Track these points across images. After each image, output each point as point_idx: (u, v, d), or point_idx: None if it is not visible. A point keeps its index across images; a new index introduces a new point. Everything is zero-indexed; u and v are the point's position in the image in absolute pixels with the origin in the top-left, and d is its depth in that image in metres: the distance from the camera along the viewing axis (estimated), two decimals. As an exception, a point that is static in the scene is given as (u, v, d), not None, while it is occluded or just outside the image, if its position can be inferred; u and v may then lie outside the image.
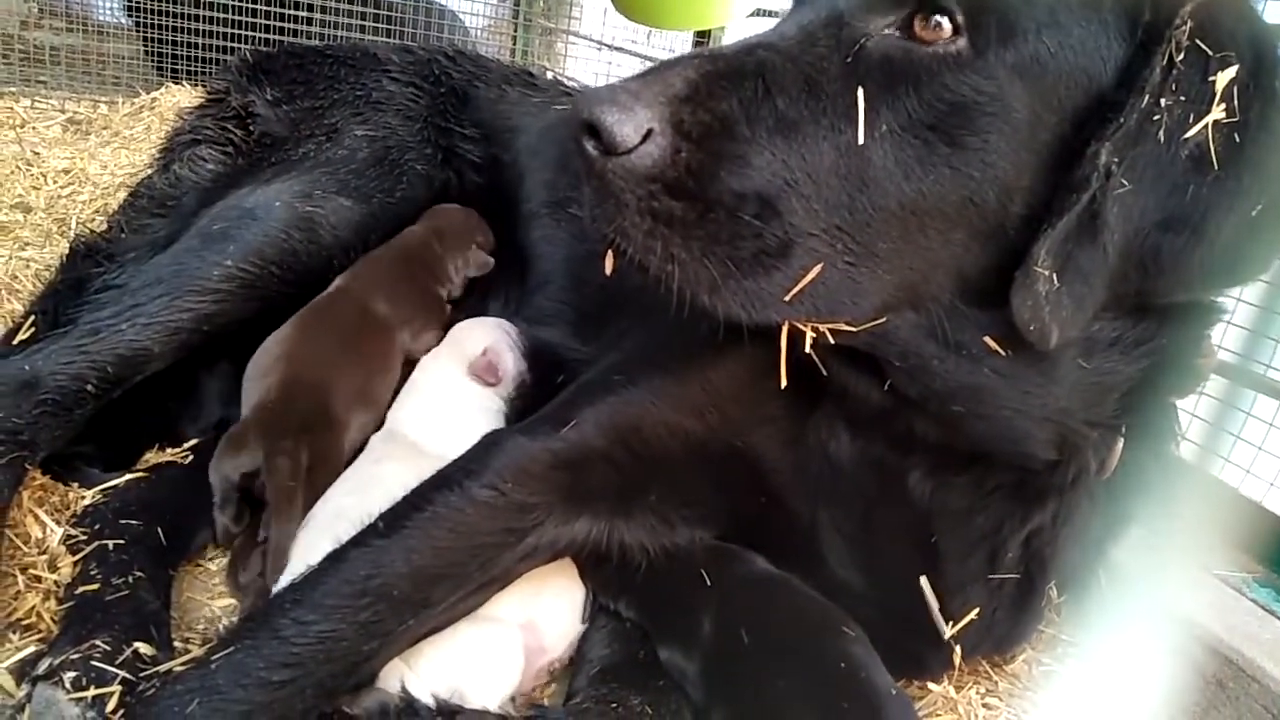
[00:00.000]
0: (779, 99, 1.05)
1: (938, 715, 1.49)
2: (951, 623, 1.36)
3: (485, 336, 1.86)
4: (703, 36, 5.33)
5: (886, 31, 1.08)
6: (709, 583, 1.38)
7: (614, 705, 1.28)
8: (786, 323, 1.11)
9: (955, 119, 1.04)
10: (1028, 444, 1.22)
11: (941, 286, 1.13)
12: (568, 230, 2.12)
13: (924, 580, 1.36)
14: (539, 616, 1.39)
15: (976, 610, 1.37)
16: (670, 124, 1.01)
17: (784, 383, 1.16)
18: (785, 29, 1.13)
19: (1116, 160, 1.01)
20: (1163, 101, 1.01)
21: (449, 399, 1.75)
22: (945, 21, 1.05)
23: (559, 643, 1.42)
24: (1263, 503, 1.93)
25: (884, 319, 1.13)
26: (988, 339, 1.13)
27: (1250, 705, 1.52)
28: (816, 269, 1.05)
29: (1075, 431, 1.22)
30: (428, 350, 1.91)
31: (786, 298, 1.06)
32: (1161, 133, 1.01)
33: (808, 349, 1.14)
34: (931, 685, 1.52)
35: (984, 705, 1.54)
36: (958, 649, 1.38)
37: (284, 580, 1.33)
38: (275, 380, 1.65)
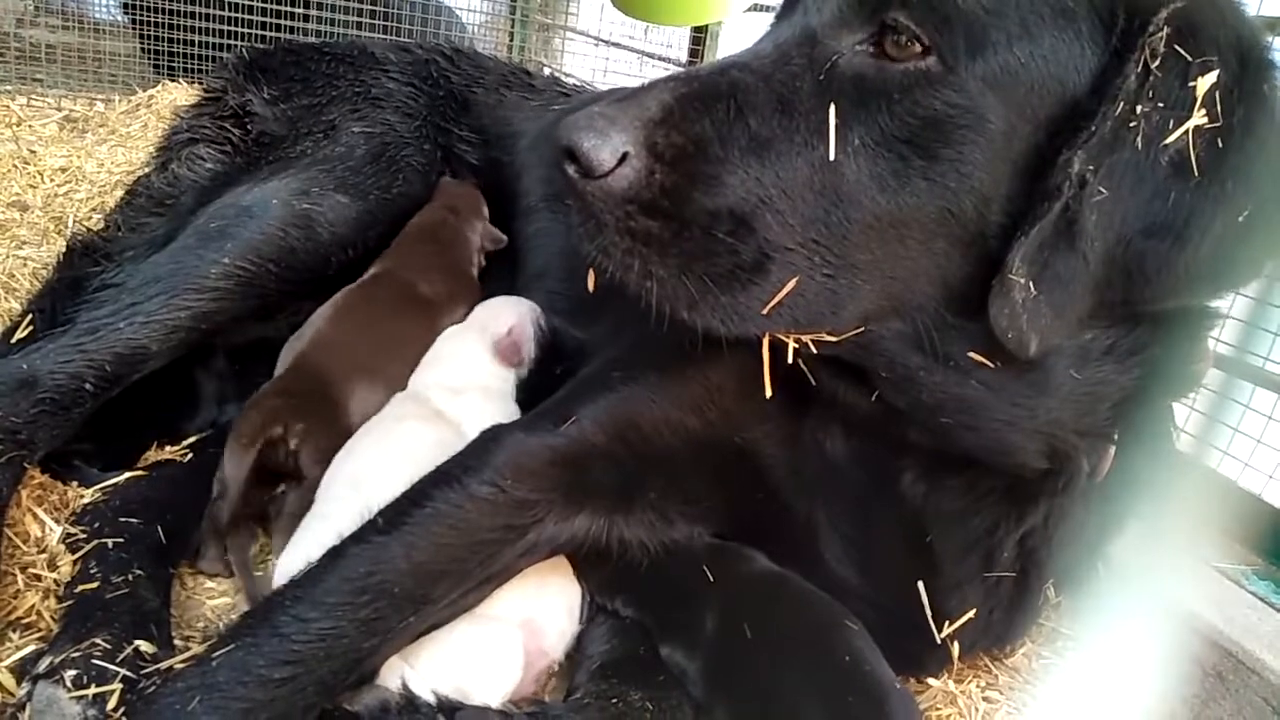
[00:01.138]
0: (751, 118, 1.07)
1: (938, 709, 1.49)
2: (948, 623, 1.37)
3: (511, 317, 1.88)
4: (700, 32, 5.33)
5: (858, 49, 1.09)
6: (711, 579, 1.39)
7: (614, 700, 1.28)
8: (767, 335, 1.13)
9: (929, 133, 1.05)
10: (1018, 455, 1.22)
11: (926, 295, 1.13)
12: (564, 223, 2.12)
13: (920, 585, 1.36)
14: (539, 616, 1.39)
15: (973, 612, 1.37)
16: (645, 147, 1.04)
17: (769, 393, 1.18)
18: (761, 48, 1.15)
19: (1092, 168, 1.01)
20: (1139, 108, 1.01)
21: (469, 373, 1.77)
22: (913, 40, 1.05)
23: (559, 644, 1.42)
24: (1261, 495, 1.93)
25: (864, 328, 1.14)
26: (974, 353, 1.13)
27: (1250, 698, 1.53)
28: (792, 283, 1.07)
29: (1066, 441, 1.22)
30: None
31: (764, 311, 1.08)
32: (1140, 139, 1.01)
33: (790, 360, 1.15)
34: (931, 680, 1.52)
35: (984, 699, 1.54)
36: (955, 645, 1.38)
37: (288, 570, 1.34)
38: (293, 359, 1.71)
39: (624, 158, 1.04)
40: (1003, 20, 1.04)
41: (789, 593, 1.40)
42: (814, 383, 1.25)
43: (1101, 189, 1.01)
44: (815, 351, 1.15)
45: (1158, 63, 1.00)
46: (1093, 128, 1.01)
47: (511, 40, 5.78)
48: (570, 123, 1.05)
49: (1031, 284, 1.04)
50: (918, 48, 1.05)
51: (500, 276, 2.16)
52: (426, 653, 1.28)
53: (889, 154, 1.06)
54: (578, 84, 2.81)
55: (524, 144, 2.32)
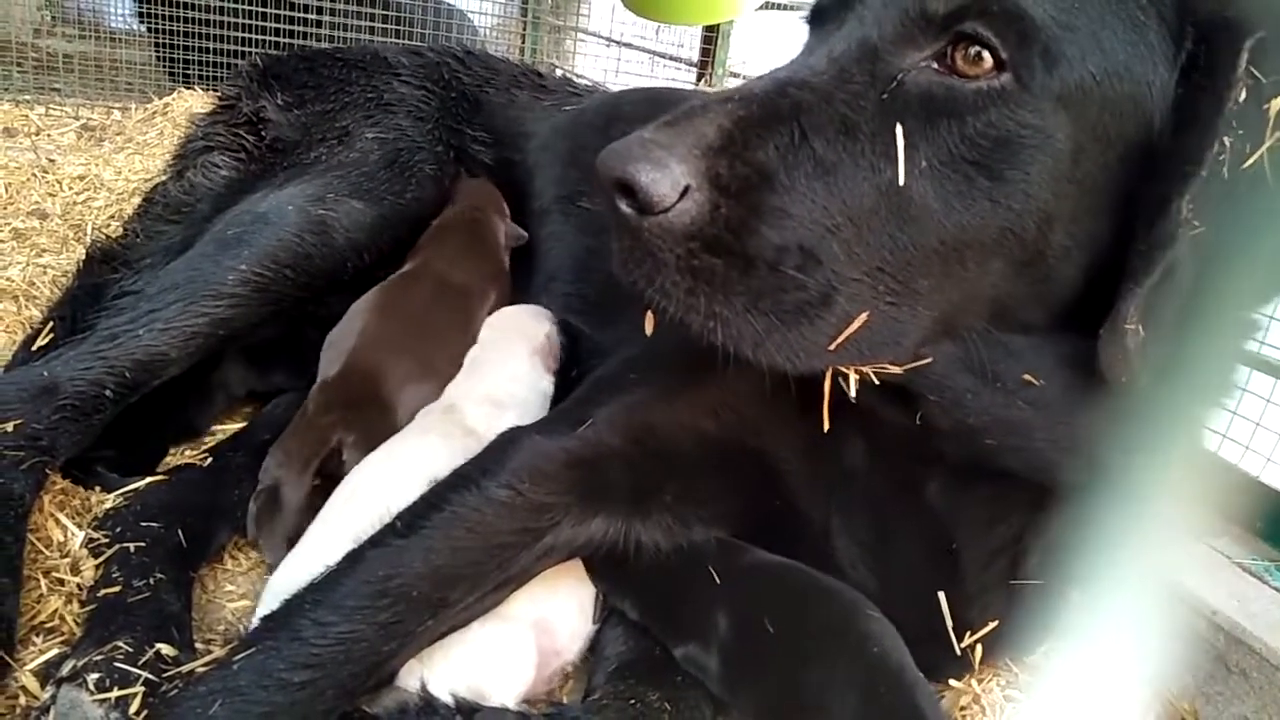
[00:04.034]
0: (816, 143, 1.01)
1: (962, 708, 1.48)
2: (969, 632, 1.35)
3: (544, 323, 1.90)
4: (711, 31, 5.33)
5: (923, 65, 1.04)
6: (717, 580, 1.37)
7: (632, 702, 1.28)
8: (830, 369, 1.09)
9: (998, 153, 1.01)
10: (1061, 472, 1.19)
11: (978, 315, 1.11)
12: (576, 224, 2.13)
13: (941, 596, 1.34)
14: (551, 615, 1.39)
15: (996, 622, 1.35)
16: (707, 178, 0.97)
17: (827, 426, 1.14)
18: (815, 63, 1.08)
19: (1192, 206, 0.98)
20: (1227, 140, 0.98)
21: (513, 384, 1.77)
22: (986, 54, 1.01)
23: (572, 644, 1.42)
24: (1260, 478, 1.90)
25: (929, 359, 1.11)
26: (1022, 371, 1.11)
27: (1274, 694, 1.51)
28: (863, 317, 1.03)
29: (1107, 454, 1.20)
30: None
31: (831, 346, 1.04)
32: (1226, 169, 0.98)
33: (853, 392, 1.10)
34: (952, 681, 1.51)
35: (1005, 697, 1.53)
36: (979, 649, 1.37)
37: (300, 575, 1.35)
38: (341, 361, 1.72)
39: (685, 191, 0.97)
40: (1076, 35, 1.00)
41: (804, 583, 1.38)
42: (854, 402, 1.19)
43: (1196, 223, 0.98)
44: (878, 382, 1.11)
45: (1243, 94, 0.98)
46: (1203, 172, 0.97)
47: (523, 42, 5.80)
48: (620, 152, 0.97)
49: (1141, 327, 1.01)
50: (989, 64, 1.01)
51: (513, 279, 2.16)
52: (439, 655, 1.29)
53: (954, 175, 1.02)
54: (590, 85, 2.81)
55: (535, 144, 2.32)
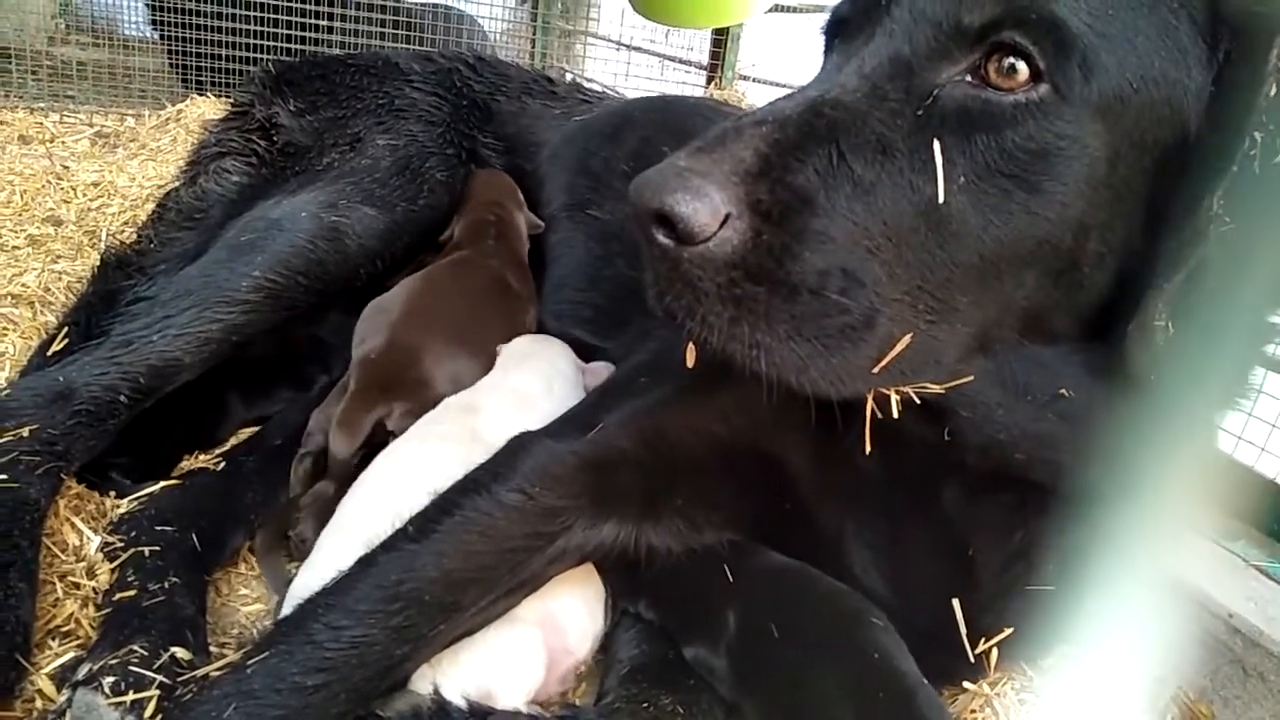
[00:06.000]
0: (855, 163, 1.00)
1: (974, 713, 1.47)
2: (984, 637, 1.34)
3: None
4: (721, 34, 5.34)
5: (958, 79, 1.03)
6: (730, 578, 1.37)
7: (645, 705, 1.28)
8: (872, 392, 1.08)
9: (1036, 165, 1.00)
10: (1082, 479, 1.18)
11: (1011, 328, 1.10)
12: (585, 231, 2.13)
13: (956, 603, 1.33)
14: (559, 614, 1.39)
15: (1011, 630, 1.34)
16: (747, 205, 0.95)
17: (868, 449, 1.13)
18: (846, 80, 1.06)
19: (1223, 202, 0.98)
20: (1257, 135, 0.97)
21: (559, 382, 1.78)
22: (1022, 65, 1.00)
23: (582, 642, 1.42)
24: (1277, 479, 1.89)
25: (970, 376, 1.10)
26: (1050, 381, 1.10)
27: (1292, 699, 1.50)
28: (907, 339, 1.02)
29: (1124, 458, 1.19)
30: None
31: (875, 369, 1.02)
32: (1257, 165, 0.97)
33: (895, 413, 1.09)
34: (966, 684, 1.50)
35: (1019, 700, 1.52)
36: (994, 655, 1.36)
37: (315, 581, 1.35)
38: (381, 340, 1.77)
39: (725, 219, 0.94)
40: (1112, 43, 0.99)
41: (810, 588, 1.37)
42: (880, 416, 1.18)
43: (1226, 219, 0.98)
44: (919, 402, 1.09)
45: (1274, 89, 0.97)
46: (1233, 168, 0.97)
47: (533, 47, 5.82)
48: (655, 182, 0.95)
49: (1170, 324, 1.00)
50: (1025, 76, 1.00)
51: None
52: (450, 659, 1.29)
53: (991, 189, 1.01)
54: (599, 89, 2.83)
55: (546, 153, 2.32)
